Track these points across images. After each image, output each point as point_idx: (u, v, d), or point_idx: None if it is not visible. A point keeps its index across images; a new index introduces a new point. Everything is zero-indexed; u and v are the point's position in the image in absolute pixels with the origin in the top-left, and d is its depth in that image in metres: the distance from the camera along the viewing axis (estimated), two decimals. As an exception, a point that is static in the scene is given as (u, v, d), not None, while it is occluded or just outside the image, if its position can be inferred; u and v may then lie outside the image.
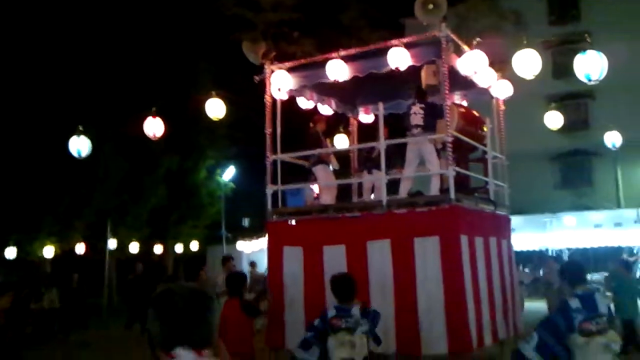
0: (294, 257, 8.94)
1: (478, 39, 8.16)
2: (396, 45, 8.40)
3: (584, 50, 6.50)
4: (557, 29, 32.80)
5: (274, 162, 9.47)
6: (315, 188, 10.77)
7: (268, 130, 9.47)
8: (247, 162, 29.77)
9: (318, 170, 10.12)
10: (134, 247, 21.89)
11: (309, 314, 8.68)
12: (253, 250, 23.33)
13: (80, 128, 10.02)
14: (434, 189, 8.85)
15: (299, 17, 10.08)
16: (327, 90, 10.49)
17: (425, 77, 8.82)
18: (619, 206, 27.93)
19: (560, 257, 20.61)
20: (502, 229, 10.05)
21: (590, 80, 6.37)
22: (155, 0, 20.81)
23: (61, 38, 17.99)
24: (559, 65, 28.61)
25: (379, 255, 8.33)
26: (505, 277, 9.64)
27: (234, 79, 30.26)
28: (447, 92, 8.29)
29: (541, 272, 21.25)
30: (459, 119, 9.57)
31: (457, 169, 8.38)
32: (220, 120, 24.61)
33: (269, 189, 9.40)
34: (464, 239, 8.12)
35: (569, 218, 23.30)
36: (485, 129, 9.87)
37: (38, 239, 18.08)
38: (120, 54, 19.57)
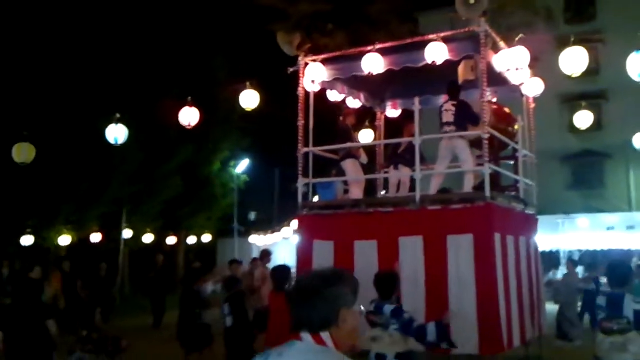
0: (324, 252, 8.88)
1: (521, 35, 8.07)
2: (434, 40, 8.35)
3: (637, 49, 6.44)
4: (573, 27, 32.65)
5: (306, 155, 9.41)
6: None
7: (300, 122, 9.41)
8: (258, 156, 29.81)
9: (347, 164, 10.05)
10: (147, 238, 21.88)
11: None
12: (266, 244, 23.33)
13: (118, 116, 9.97)
14: (468, 186, 8.78)
15: (332, 9, 10.00)
16: (357, 83, 10.42)
17: (463, 73, 8.73)
18: (630, 209, 27.84)
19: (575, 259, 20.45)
20: (531, 229, 10.00)
21: (644, 79, 6.33)
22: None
23: (84, 27, 17.95)
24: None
25: (411, 251, 8.27)
26: (533, 277, 9.59)
27: (250, 70, 30.25)
28: (485, 87, 8.23)
29: (551, 274, 21.27)
30: (492, 116, 9.48)
31: (492, 166, 8.31)
32: (234, 112, 24.62)
33: (301, 182, 9.34)
34: (497, 238, 8.07)
35: (582, 219, 23.20)
36: (516, 127, 9.79)
37: (55, 227, 18.07)
38: (137, 44, 19.52)
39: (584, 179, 31.81)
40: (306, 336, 2.02)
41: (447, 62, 8.62)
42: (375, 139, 11.98)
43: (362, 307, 5.39)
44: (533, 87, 10.01)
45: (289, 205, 39.76)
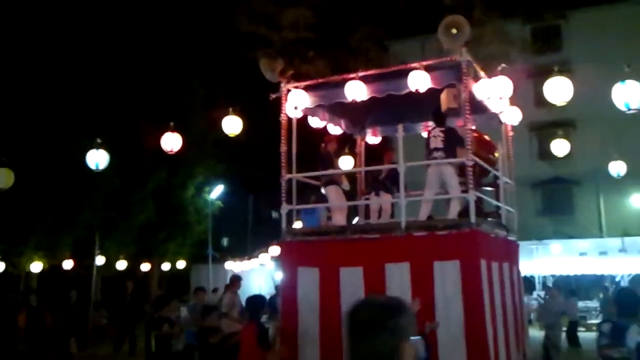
0: (309, 278, 8.82)
1: (503, 65, 8.24)
2: (416, 68, 8.45)
3: (623, 80, 6.64)
4: (540, 58, 33.49)
5: (289, 181, 9.39)
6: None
7: (283, 148, 9.40)
8: (231, 182, 29.66)
9: (330, 190, 10.05)
10: (120, 265, 21.49)
11: (324, 335, 8.60)
12: (242, 270, 23.12)
13: (99, 141, 9.85)
14: (453, 213, 8.83)
15: (313, 36, 10.10)
16: (338, 110, 10.49)
17: (446, 101, 8.84)
18: (601, 234, 28.36)
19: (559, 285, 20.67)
20: (513, 255, 10.10)
21: (629, 109, 6.48)
22: (157, 16, 20.71)
23: (53, 53, 17.77)
24: (542, 94, 29.09)
25: (398, 277, 8.26)
26: (516, 302, 9.66)
27: (225, 96, 30.26)
28: (468, 116, 8.34)
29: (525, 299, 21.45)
30: (473, 143, 9.61)
31: (478, 193, 8.40)
32: (208, 138, 24.52)
33: (284, 208, 9.30)
34: (483, 264, 8.13)
35: (555, 245, 23.58)
36: (496, 154, 9.93)
37: (25, 253, 17.65)
38: (111, 70, 19.38)
39: (554, 205, 32.37)
40: None
41: (426, 90, 8.73)
42: (355, 166, 12.02)
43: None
44: (511, 116, 10.19)
45: (262, 232, 39.64)
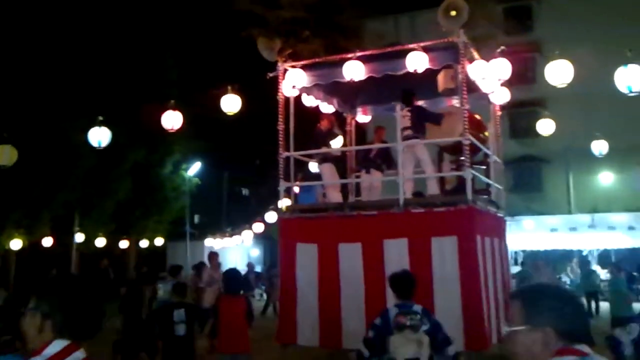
0: (308, 254, 9.01)
1: (502, 47, 8.46)
2: (415, 49, 8.62)
3: (625, 64, 6.91)
4: (512, 38, 33.94)
5: (287, 159, 9.53)
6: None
7: (280, 126, 9.52)
8: (206, 158, 29.54)
9: (324, 168, 10.24)
10: (99, 242, 21.37)
11: (323, 310, 8.83)
12: (222, 247, 23.22)
13: (101, 118, 9.80)
14: (432, 190, 9.12)
15: (309, 16, 10.17)
16: (331, 89, 10.62)
17: (444, 81, 9.06)
18: (570, 211, 29.17)
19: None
20: (502, 230, 10.44)
21: (631, 91, 6.77)
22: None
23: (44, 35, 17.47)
24: (514, 75, 29.60)
25: (396, 253, 8.50)
26: (505, 276, 10.03)
27: (203, 73, 30.03)
28: (465, 96, 8.57)
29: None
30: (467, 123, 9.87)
31: (473, 171, 8.66)
32: (186, 115, 24.42)
33: (282, 185, 9.45)
34: (478, 239, 8.42)
35: (527, 221, 24.20)
36: (486, 133, 10.20)
37: (5, 230, 17.44)
38: (97, 46, 19.13)
39: (524, 182, 33.06)
40: (589, 349, 1.86)
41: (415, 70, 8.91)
42: (345, 144, 12.19)
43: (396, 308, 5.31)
44: (501, 96, 10.44)
45: (235, 209, 39.54)
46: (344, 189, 11.19)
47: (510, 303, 2.04)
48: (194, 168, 25.93)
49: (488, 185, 10.08)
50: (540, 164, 32.93)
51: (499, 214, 10.44)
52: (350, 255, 8.73)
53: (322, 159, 10.22)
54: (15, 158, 10.71)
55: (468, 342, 7.99)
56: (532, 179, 33.25)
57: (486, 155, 10.10)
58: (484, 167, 10.16)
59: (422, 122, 9.04)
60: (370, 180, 10.96)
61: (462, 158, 9.91)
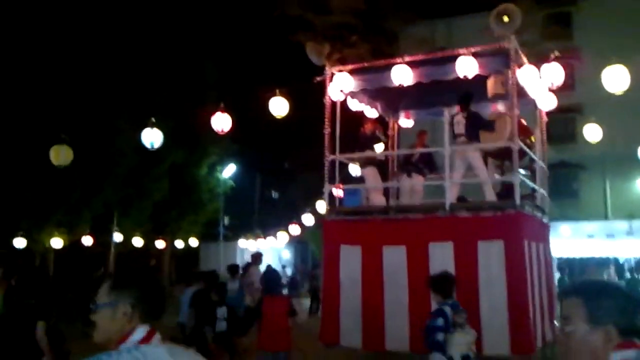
0: (351, 256, 9.08)
1: (556, 53, 8.44)
2: (464, 54, 8.64)
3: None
4: (550, 44, 33.59)
5: (332, 162, 9.62)
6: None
7: (327, 130, 9.62)
8: (239, 160, 29.78)
9: (367, 171, 10.32)
10: (137, 241, 21.72)
11: (366, 312, 8.89)
12: (259, 248, 23.46)
13: (153, 120, 10.03)
14: (490, 195, 9.09)
15: (357, 21, 10.27)
16: (376, 94, 10.68)
17: (493, 87, 9.06)
18: (606, 218, 28.76)
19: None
20: (546, 235, 10.38)
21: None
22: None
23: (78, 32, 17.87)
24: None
25: (441, 257, 8.52)
26: (550, 281, 9.98)
27: (240, 77, 30.33)
28: (516, 102, 8.57)
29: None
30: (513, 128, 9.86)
31: (522, 177, 8.66)
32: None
33: (327, 188, 9.54)
34: (525, 244, 8.41)
35: (564, 227, 23.93)
36: (533, 139, 10.17)
37: (46, 229, 17.84)
38: (138, 49, 19.53)
39: (560, 188, 32.65)
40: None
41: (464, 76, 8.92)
42: (387, 148, 12.24)
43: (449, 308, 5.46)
44: (548, 101, 10.39)
45: (265, 211, 39.77)
46: (385, 192, 11.25)
47: (565, 300, 2.03)
48: (229, 170, 26.20)
49: (533, 190, 10.04)
50: (577, 170, 32.51)
51: (544, 220, 10.39)
52: (395, 258, 8.78)
53: (366, 163, 10.30)
54: (71, 158, 11.00)
55: (514, 346, 7.99)
56: (569, 185, 32.85)
57: (532, 161, 10.07)
58: (530, 172, 10.13)
59: (476, 129, 9.05)
60: (411, 184, 11.00)
61: (507, 163, 9.95)
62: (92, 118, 16.82)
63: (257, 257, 13.83)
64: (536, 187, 9.97)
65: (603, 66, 8.31)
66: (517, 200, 8.33)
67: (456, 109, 10.95)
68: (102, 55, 18.87)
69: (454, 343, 5.43)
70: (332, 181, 9.61)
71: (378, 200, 10.17)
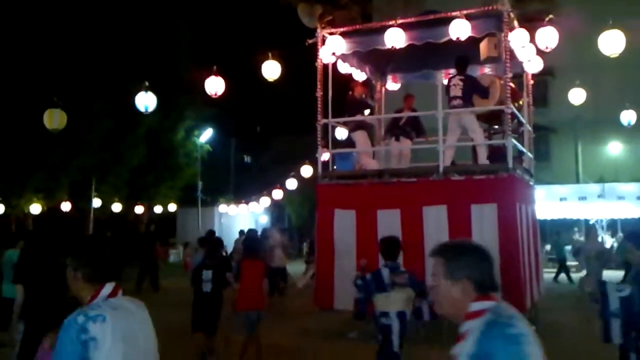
0: (346, 220, 9.14)
1: (551, 16, 8.46)
2: (457, 17, 8.61)
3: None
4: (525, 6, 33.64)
5: (324, 126, 9.59)
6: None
7: (319, 93, 9.55)
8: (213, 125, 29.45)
9: (358, 135, 10.29)
10: (115, 207, 21.48)
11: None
12: (231, 213, 23.49)
13: (147, 84, 9.81)
14: (482, 158, 9.18)
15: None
16: (365, 57, 10.61)
17: (486, 49, 9.06)
18: (578, 181, 29.33)
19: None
20: (532, 197, 10.57)
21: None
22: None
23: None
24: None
25: (435, 220, 8.65)
26: (537, 243, 10.20)
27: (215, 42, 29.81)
28: (508, 64, 8.60)
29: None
30: (502, 91, 9.92)
31: (514, 141, 8.74)
32: (199, 82, 24.52)
33: (320, 152, 9.52)
34: (517, 207, 8.55)
35: (538, 191, 24.27)
36: (521, 102, 10.26)
37: (25, 195, 17.51)
38: (110, 13, 19.03)
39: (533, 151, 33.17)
40: (497, 296, 2.23)
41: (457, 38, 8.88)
42: (373, 112, 12.22)
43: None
44: (534, 65, 10.45)
45: (239, 176, 39.52)
46: (373, 156, 11.28)
47: (433, 259, 2.27)
48: (206, 134, 25.95)
49: (521, 153, 10.16)
50: (549, 134, 32.95)
51: (531, 182, 10.56)
52: (389, 221, 8.85)
53: (356, 127, 10.28)
54: (65, 122, 10.75)
55: (506, 307, 8.18)
56: (540, 148, 33.23)
57: (520, 124, 10.17)
58: (517, 135, 10.22)
59: (471, 92, 9.06)
60: (400, 148, 11.03)
61: (496, 127, 10.04)
62: (69, 81, 16.40)
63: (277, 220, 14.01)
64: (524, 150, 10.09)
65: (573, 29, 8.34)
66: (510, 164, 8.43)
67: (451, 71, 10.95)
68: (71, 19, 18.34)
69: (390, 301, 5.75)
70: (325, 146, 9.59)
71: (370, 164, 10.19)
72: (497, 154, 9.37)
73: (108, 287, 2.57)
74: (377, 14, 11.56)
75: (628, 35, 7.91)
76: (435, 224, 8.63)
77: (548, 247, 23.13)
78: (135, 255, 15.65)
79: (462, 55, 9.62)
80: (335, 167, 10.09)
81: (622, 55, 8.24)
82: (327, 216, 9.33)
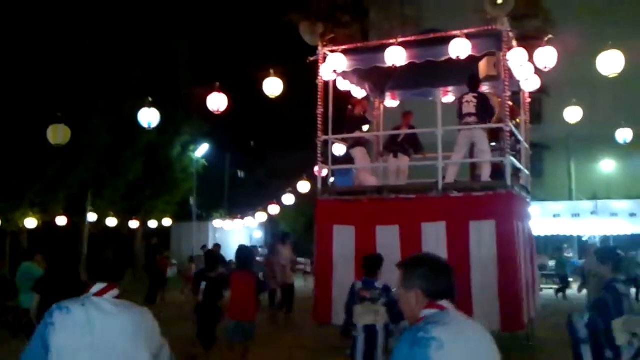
0: (345, 236, 9.19)
1: (550, 36, 8.61)
2: (458, 36, 8.74)
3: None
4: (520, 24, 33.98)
5: (324, 142, 9.67)
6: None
7: (319, 110, 9.65)
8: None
9: (356, 152, 10.40)
10: (110, 222, 21.45)
11: (360, 291, 9.04)
12: (232, 229, 23.50)
13: (150, 99, 9.88)
14: (486, 175, 9.27)
15: (348, 1, 10.25)
16: (365, 74, 10.73)
17: (486, 68, 9.21)
18: (571, 197, 29.52)
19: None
20: (528, 215, 10.67)
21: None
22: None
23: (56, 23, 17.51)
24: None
25: (434, 236, 8.71)
26: (533, 260, 10.28)
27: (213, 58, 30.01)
28: (507, 83, 8.73)
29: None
30: (499, 109, 10.06)
31: (512, 159, 8.86)
32: (196, 98, 24.63)
33: (320, 168, 9.61)
34: (515, 223, 8.65)
35: (533, 207, 24.44)
36: (518, 120, 10.40)
37: (21, 208, 17.48)
38: (109, 29, 19.14)
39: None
40: (449, 305, 2.39)
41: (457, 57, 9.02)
42: (372, 129, 12.33)
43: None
44: (531, 83, 10.60)
45: (234, 191, 39.53)
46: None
47: (398, 270, 2.54)
48: (202, 149, 26.02)
49: (518, 170, 10.27)
50: (542, 151, 33.16)
51: (527, 199, 10.67)
52: (388, 238, 8.91)
53: (355, 143, 10.38)
54: (69, 137, 10.83)
55: (505, 324, 8.24)
56: (534, 165, 33.39)
57: (517, 142, 10.29)
58: (514, 152, 10.34)
59: (485, 111, 9.19)
60: (397, 164, 11.13)
61: (493, 144, 10.16)
62: (68, 96, 16.46)
63: (286, 238, 14.63)
64: (521, 167, 10.20)
65: (570, 46, 8.50)
66: (509, 181, 8.54)
67: (450, 89, 11.05)
68: (71, 33, 18.43)
69: (357, 313, 6.24)
70: (325, 162, 9.67)
71: (369, 180, 10.28)
72: (495, 171, 9.49)
73: (98, 286, 2.87)
74: (375, 31, 11.76)
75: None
76: (434, 240, 8.69)
77: (551, 263, 23.26)
78: (145, 269, 16.13)
79: (474, 74, 9.76)
80: (334, 183, 10.15)
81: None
82: (327, 232, 9.38)
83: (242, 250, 8.51)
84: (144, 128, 20.49)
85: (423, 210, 8.88)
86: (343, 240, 9.21)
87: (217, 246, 13.36)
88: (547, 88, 33.83)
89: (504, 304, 8.27)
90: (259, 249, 22.61)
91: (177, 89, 22.42)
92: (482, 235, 8.47)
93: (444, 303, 2.38)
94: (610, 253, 5.58)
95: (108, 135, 19.01)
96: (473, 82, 9.48)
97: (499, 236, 8.39)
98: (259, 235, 33.76)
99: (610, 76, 7.76)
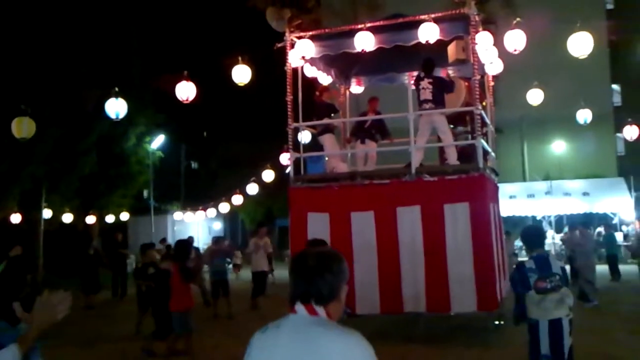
0: (319, 224, 9.14)
1: (518, 19, 8.69)
2: (426, 20, 8.76)
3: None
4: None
5: (295, 130, 9.59)
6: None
7: (289, 97, 9.55)
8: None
9: (325, 138, 10.33)
10: (66, 218, 20.81)
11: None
12: (193, 220, 23.16)
13: (117, 89, 9.55)
14: (452, 158, 9.35)
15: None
16: (331, 60, 10.67)
17: (455, 52, 9.24)
18: (524, 179, 30.22)
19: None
20: (497, 196, 10.84)
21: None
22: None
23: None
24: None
25: (409, 220, 8.77)
26: (502, 240, 10.45)
27: (166, 44, 29.35)
28: (476, 66, 8.80)
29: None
30: (466, 93, 10.16)
31: (483, 142, 8.95)
32: (149, 87, 24.01)
33: (291, 156, 9.51)
34: (488, 205, 8.77)
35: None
36: (484, 103, 10.50)
37: (-27, 207, 16.80)
38: (58, 18, 18.48)
39: (480, 151, 33.92)
40: (301, 309, 2.11)
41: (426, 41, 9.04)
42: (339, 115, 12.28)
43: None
44: (495, 67, 10.72)
45: (188, 182, 38.95)
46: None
47: None
48: (158, 141, 25.48)
49: (486, 152, 10.39)
50: (496, 134, 33.82)
51: (496, 181, 10.83)
52: (363, 223, 8.94)
53: (324, 130, 10.31)
54: (34, 130, 10.41)
55: (480, 304, 8.38)
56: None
57: (484, 124, 10.39)
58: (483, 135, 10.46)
59: (442, 93, 9.22)
60: (365, 150, 11.13)
61: (461, 127, 10.27)
62: (24, 88, 15.85)
63: (259, 229, 15.00)
64: (489, 149, 10.33)
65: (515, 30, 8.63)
66: (480, 164, 8.64)
67: (415, 73, 11.08)
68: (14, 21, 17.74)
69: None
70: (296, 149, 9.59)
71: (340, 167, 10.25)
72: (464, 154, 9.59)
73: None
74: (338, 16, 11.72)
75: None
76: (410, 224, 8.76)
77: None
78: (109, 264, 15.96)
79: (429, 57, 9.79)
80: (307, 170, 10.10)
81: (564, 57, 8.60)
82: (301, 219, 9.33)
83: (178, 243, 8.64)
84: (96, 120, 20.12)
85: (397, 194, 8.91)
86: (317, 227, 9.14)
87: (191, 238, 13.69)
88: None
89: (479, 285, 8.40)
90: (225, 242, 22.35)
91: (129, 78, 21.81)
92: (457, 218, 8.57)
93: (296, 307, 2.13)
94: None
95: (57, 128, 18.36)
96: (427, 66, 9.50)
97: (473, 218, 8.50)
98: (218, 226, 33.39)
99: (580, 57, 7.90)
